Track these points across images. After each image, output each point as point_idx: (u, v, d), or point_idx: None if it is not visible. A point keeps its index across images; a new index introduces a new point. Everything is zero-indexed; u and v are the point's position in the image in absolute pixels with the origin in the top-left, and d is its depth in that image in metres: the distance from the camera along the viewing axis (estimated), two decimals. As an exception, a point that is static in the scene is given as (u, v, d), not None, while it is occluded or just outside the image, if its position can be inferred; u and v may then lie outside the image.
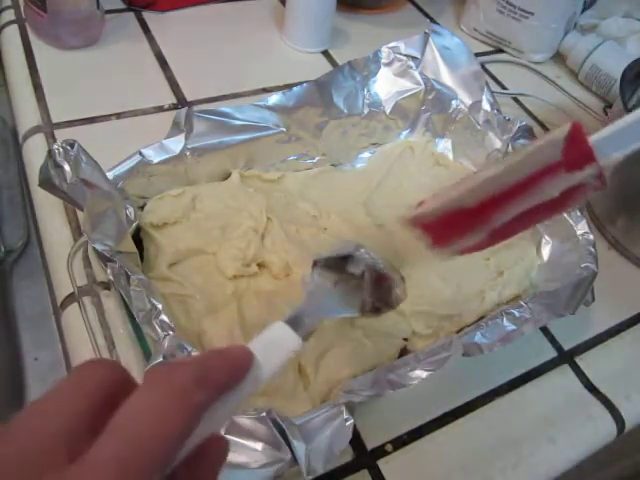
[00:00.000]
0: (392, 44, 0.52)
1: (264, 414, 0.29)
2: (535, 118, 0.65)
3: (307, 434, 0.29)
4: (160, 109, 0.55)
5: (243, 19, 0.69)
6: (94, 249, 0.35)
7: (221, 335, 0.36)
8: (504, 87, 0.68)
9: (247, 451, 0.28)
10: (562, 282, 0.40)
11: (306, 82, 0.48)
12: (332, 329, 0.38)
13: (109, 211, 0.37)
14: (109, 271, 0.35)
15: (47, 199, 0.44)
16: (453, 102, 0.51)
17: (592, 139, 0.25)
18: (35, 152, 0.49)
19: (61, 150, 0.37)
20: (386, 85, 0.52)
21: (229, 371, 0.21)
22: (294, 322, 0.26)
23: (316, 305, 0.29)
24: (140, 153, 0.42)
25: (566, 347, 0.44)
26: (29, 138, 0.50)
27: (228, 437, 0.28)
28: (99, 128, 0.52)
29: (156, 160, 0.42)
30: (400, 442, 0.37)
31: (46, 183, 0.38)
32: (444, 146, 0.53)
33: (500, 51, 0.73)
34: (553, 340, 0.44)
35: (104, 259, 0.35)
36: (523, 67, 0.72)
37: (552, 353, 0.43)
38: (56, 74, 0.56)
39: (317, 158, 0.50)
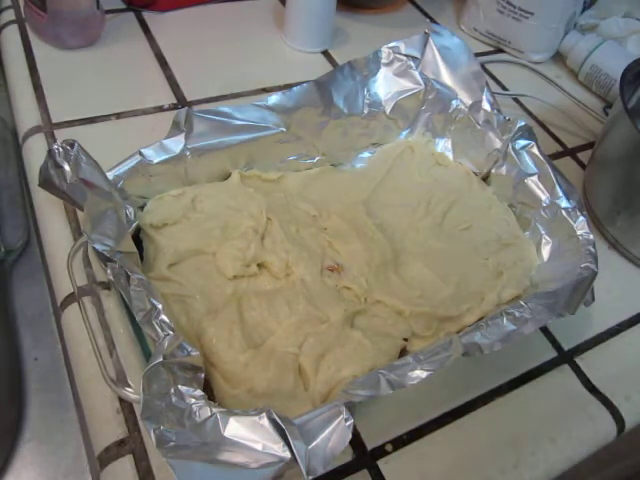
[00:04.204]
0: (392, 44, 0.52)
1: (264, 414, 0.29)
2: (535, 118, 0.65)
3: (307, 434, 0.29)
4: (160, 109, 0.55)
5: (243, 19, 0.69)
6: (94, 249, 0.35)
7: (221, 335, 0.36)
8: (504, 87, 0.68)
9: (247, 451, 0.28)
10: (562, 282, 0.40)
11: (306, 82, 0.48)
12: (332, 329, 0.38)
13: (109, 211, 0.37)
14: (109, 271, 0.35)
15: (47, 199, 0.44)
16: (453, 102, 0.51)
17: None
18: (35, 152, 0.49)
19: (61, 150, 0.37)
20: (386, 85, 0.51)
21: None
22: None
23: None
24: (140, 153, 0.42)
25: (566, 347, 0.44)
26: (29, 138, 0.50)
27: (228, 437, 0.28)
28: (99, 128, 0.52)
29: (156, 160, 0.42)
30: (400, 442, 0.37)
31: (46, 183, 0.38)
32: (444, 146, 0.53)
33: (500, 51, 0.74)
34: (553, 340, 0.44)
35: (104, 259, 0.35)
36: (523, 67, 0.72)
37: (552, 353, 0.44)
38: (56, 74, 0.56)
39: (317, 158, 0.50)
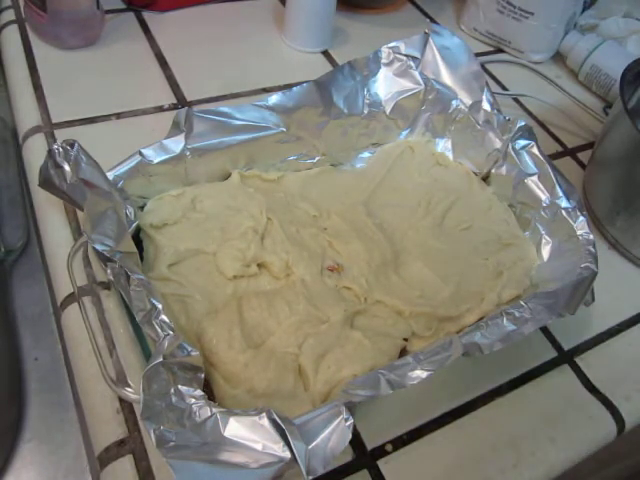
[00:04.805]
0: (392, 44, 0.52)
1: (264, 414, 0.29)
2: (535, 118, 0.65)
3: (307, 434, 0.29)
4: (160, 109, 0.55)
5: (243, 19, 0.69)
6: (94, 249, 0.35)
7: (221, 335, 0.36)
8: (504, 87, 0.68)
9: (247, 451, 0.28)
10: (562, 282, 0.40)
11: (306, 82, 0.48)
12: (332, 329, 0.38)
13: (109, 211, 0.37)
14: (109, 271, 0.35)
15: (47, 199, 0.44)
16: (453, 102, 0.51)
17: None
18: (35, 152, 0.49)
19: (61, 150, 0.37)
20: (386, 85, 0.51)
21: None
22: None
23: None
24: (140, 153, 0.42)
25: (566, 347, 0.44)
26: (29, 138, 0.50)
27: (228, 437, 0.28)
28: (99, 128, 0.52)
29: (156, 160, 0.42)
30: (400, 442, 0.37)
31: (46, 183, 0.38)
32: (444, 146, 0.53)
33: (500, 51, 0.74)
34: (553, 340, 0.44)
35: (104, 259, 0.35)
36: (523, 67, 0.72)
37: (552, 353, 0.44)
38: (56, 74, 0.56)
39: (317, 158, 0.50)
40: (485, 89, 0.50)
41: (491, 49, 0.74)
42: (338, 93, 0.49)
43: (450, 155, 0.53)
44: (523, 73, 0.71)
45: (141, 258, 0.40)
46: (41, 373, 0.48)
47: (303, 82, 0.48)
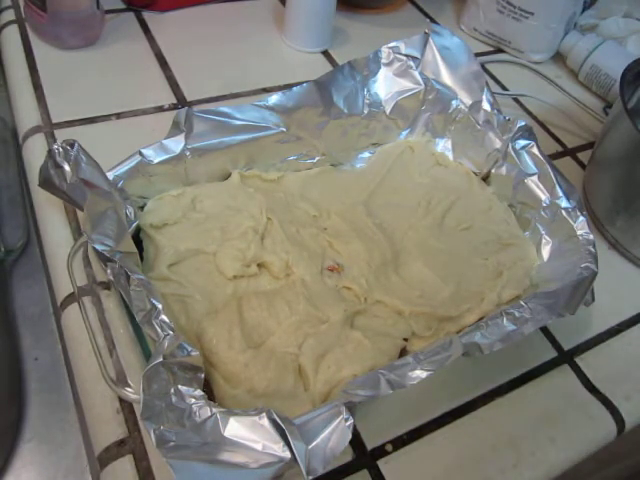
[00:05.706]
0: (392, 44, 0.52)
1: (264, 414, 0.29)
2: (535, 118, 0.65)
3: (307, 434, 0.29)
4: (160, 109, 0.55)
5: (243, 19, 0.69)
6: (94, 249, 0.35)
7: (221, 335, 0.36)
8: (504, 87, 0.68)
9: (247, 451, 0.28)
10: (562, 282, 0.40)
11: (306, 82, 0.48)
12: (332, 329, 0.38)
13: (109, 211, 0.37)
14: (109, 271, 0.35)
15: (47, 199, 0.44)
16: (453, 102, 0.51)
17: None
18: (35, 152, 0.49)
19: (61, 150, 0.37)
20: (386, 85, 0.51)
21: None
22: None
23: None
24: (140, 153, 0.42)
25: (566, 347, 0.44)
26: (29, 138, 0.50)
27: (228, 437, 0.28)
28: (99, 128, 0.52)
29: (156, 160, 0.42)
30: (400, 442, 0.37)
31: (46, 183, 0.38)
32: (444, 146, 0.53)
33: (500, 51, 0.74)
34: (553, 340, 0.44)
35: (104, 259, 0.35)
36: (523, 67, 0.72)
37: (552, 353, 0.44)
38: (56, 74, 0.56)
39: (317, 158, 0.50)
40: (485, 89, 0.50)
41: (491, 49, 0.74)
42: (338, 93, 0.49)
43: (450, 155, 0.53)
44: (523, 73, 0.71)
45: (141, 258, 0.40)
46: (41, 373, 0.48)
47: (303, 82, 0.48)
